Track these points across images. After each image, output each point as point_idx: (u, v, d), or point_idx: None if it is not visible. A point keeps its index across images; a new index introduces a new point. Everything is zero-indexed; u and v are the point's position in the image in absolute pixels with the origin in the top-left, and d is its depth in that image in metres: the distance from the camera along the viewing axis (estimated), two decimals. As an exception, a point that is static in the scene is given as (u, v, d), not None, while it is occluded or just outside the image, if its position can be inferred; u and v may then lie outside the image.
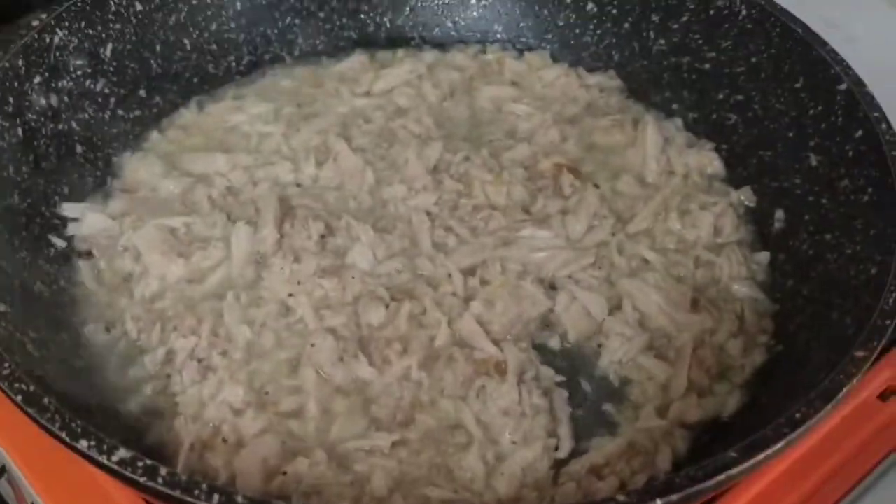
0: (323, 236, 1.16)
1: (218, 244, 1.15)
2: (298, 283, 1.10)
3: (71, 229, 1.17)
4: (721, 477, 0.79)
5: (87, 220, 1.17)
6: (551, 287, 1.14)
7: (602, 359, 1.08)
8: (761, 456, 0.81)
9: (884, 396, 1.13)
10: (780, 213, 1.21)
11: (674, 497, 0.77)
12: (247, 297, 1.10)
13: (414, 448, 0.99)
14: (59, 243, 1.15)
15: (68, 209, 1.17)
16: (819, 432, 1.08)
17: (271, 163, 1.26)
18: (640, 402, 1.05)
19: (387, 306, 1.09)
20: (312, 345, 1.05)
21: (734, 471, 0.79)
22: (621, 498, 0.77)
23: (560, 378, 1.06)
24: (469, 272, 1.14)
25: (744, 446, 0.81)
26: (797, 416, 0.83)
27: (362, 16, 1.46)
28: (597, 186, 1.24)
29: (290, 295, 1.10)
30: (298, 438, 0.99)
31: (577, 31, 1.43)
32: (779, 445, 0.81)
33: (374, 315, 1.08)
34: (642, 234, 1.20)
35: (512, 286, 1.12)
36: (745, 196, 1.25)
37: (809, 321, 1.07)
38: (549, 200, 1.22)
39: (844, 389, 0.85)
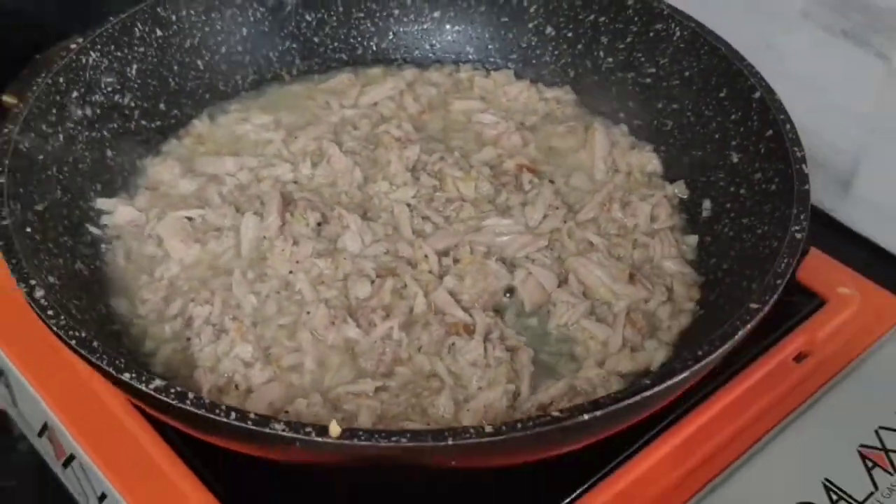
0: (319, 224, 1.33)
1: (229, 233, 1.33)
2: (297, 262, 1.28)
3: (104, 219, 1.34)
4: (637, 398, 0.95)
5: (117, 212, 1.35)
6: (511, 265, 1.31)
7: (550, 322, 1.26)
8: (670, 382, 0.97)
9: (797, 359, 1.31)
10: (707, 203, 1.38)
11: (598, 413, 0.93)
12: (253, 274, 1.28)
13: (394, 392, 1.16)
14: (95, 231, 1.32)
15: (101, 203, 1.35)
16: (744, 385, 1.26)
17: (273, 164, 1.43)
18: (583, 356, 1.23)
19: (372, 282, 1.27)
20: (308, 312, 1.23)
21: (647, 393, 0.96)
22: (556, 413, 0.93)
23: (521, 338, 1.23)
24: (443, 253, 1.31)
25: (655, 375, 0.98)
26: (699, 353, 1.00)
27: (352, 40, 1.64)
28: (552, 182, 1.43)
29: (291, 272, 1.28)
30: (298, 387, 1.17)
31: (538, 51, 1.61)
32: (683, 375, 0.98)
33: (361, 289, 1.26)
34: (589, 222, 1.37)
35: (479, 264, 1.29)
36: (679, 189, 1.43)
37: (727, 290, 1.24)
38: (511, 194, 1.40)
39: (739, 333, 1.02)
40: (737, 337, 1.03)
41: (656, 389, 0.98)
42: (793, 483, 1.16)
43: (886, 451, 1.20)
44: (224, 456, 1.05)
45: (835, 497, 1.15)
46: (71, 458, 1.24)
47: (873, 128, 1.59)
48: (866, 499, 1.15)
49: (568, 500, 1.15)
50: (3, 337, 1.32)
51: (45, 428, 1.28)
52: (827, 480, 1.16)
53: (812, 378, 1.29)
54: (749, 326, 1.05)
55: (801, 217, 1.15)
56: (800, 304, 1.37)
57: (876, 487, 1.16)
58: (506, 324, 1.26)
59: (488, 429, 0.92)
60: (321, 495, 1.15)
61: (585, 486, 1.16)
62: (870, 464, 1.18)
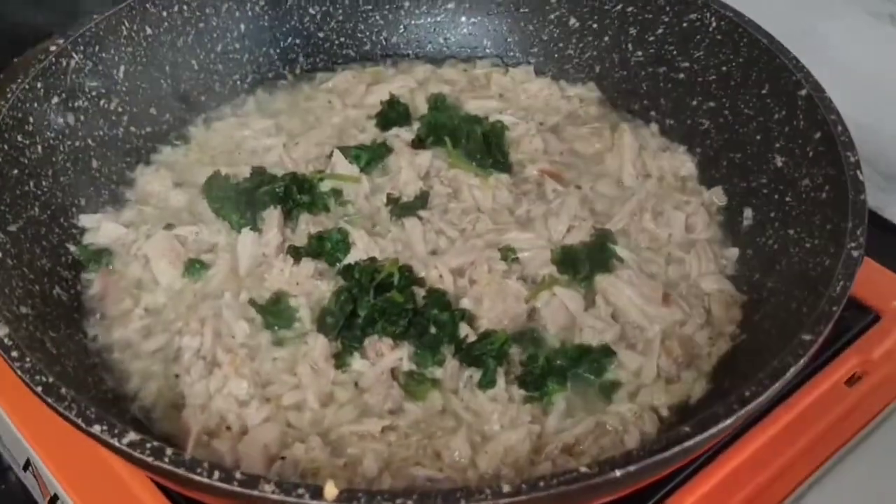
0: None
1: (223, 253, 1.25)
2: (297, 283, 1.19)
3: (87, 238, 1.26)
4: (676, 449, 0.86)
5: (102, 229, 1.27)
6: (534, 284, 1.21)
7: (576, 350, 1.16)
8: (713, 430, 0.88)
9: (850, 382, 1.21)
10: (748, 212, 1.29)
11: (632, 468, 0.84)
12: (247, 295, 1.19)
13: (403, 432, 1.06)
14: (76, 251, 1.24)
15: (85, 220, 1.27)
16: (791, 414, 1.17)
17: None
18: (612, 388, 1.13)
19: (380, 306, 1.17)
20: (306, 342, 1.14)
21: (688, 444, 0.87)
22: (584, 469, 0.84)
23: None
24: (458, 272, 1.21)
25: (696, 421, 0.88)
26: (746, 394, 0.91)
27: (360, 34, 1.55)
28: (579, 188, 1.33)
29: (293, 296, 1.18)
30: (296, 427, 1.07)
31: (561, 44, 1.52)
32: (728, 421, 0.89)
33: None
34: (619, 234, 1.28)
35: (497, 284, 1.19)
36: (717, 196, 1.34)
37: (772, 311, 1.15)
38: (532, 204, 1.30)
39: (791, 370, 0.93)
40: (788, 375, 0.94)
41: (696, 439, 0.89)
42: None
43: (951, 482, 1.13)
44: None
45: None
46: (55, 498, 1.17)
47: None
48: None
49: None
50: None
51: (28, 464, 1.22)
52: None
53: (866, 403, 1.20)
54: (802, 361, 0.95)
55: (858, 232, 1.06)
56: (851, 319, 1.27)
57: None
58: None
59: (506, 489, 0.83)
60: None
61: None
62: (933, 498, 1.12)
